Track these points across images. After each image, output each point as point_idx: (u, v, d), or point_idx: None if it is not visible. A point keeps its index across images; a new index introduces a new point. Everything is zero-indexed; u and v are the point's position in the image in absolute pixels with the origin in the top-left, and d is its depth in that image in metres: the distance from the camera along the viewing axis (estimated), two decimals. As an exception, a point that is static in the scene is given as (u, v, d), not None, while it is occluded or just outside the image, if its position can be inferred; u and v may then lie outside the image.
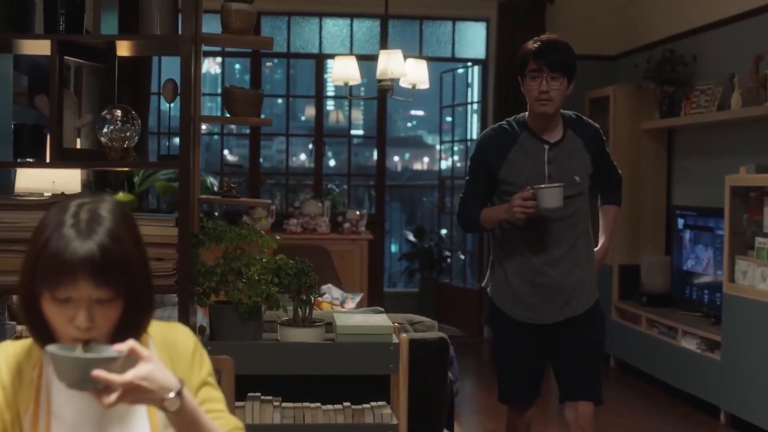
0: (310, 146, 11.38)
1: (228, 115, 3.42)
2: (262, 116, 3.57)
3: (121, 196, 7.61)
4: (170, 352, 1.93)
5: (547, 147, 3.89)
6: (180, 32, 3.21)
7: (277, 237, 3.54)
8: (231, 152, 13.07)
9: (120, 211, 1.78)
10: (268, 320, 3.72)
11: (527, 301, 3.97)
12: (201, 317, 4.84)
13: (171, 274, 3.21)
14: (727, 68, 6.98)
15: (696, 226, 7.06)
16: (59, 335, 1.75)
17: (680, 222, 7.29)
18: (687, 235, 7.18)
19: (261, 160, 9.83)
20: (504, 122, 4.02)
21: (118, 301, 1.74)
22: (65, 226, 1.70)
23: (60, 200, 1.82)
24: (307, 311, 3.49)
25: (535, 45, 3.83)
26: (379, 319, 3.57)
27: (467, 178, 4.04)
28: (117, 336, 1.77)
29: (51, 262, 1.68)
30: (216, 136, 10.69)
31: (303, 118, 11.98)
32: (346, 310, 4.75)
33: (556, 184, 3.70)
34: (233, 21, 3.30)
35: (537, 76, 3.78)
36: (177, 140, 3.19)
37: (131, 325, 1.80)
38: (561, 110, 3.94)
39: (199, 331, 3.44)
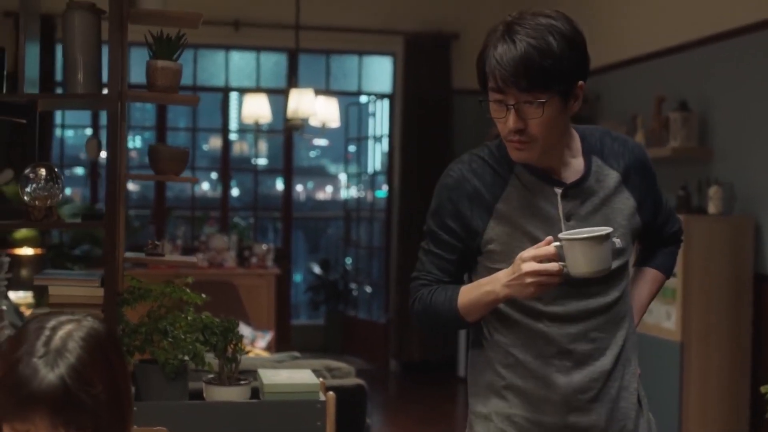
0: (213, 175, 11.32)
1: (153, 173, 3.39)
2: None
3: (24, 232, 7.45)
4: None
5: (559, 192, 2.35)
6: (107, 91, 3.18)
7: (203, 295, 3.50)
8: (132, 182, 12.88)
9: (94, 340, 1.67)
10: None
11: None
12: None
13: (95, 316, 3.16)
14: (630, 108, 7.17)
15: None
16: None
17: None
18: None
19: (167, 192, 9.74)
20: (483, 150, 2.42)
21: None
22: (35, 355, 1.61)
23: (42, 316, 1.72)
24: (233, 368, 3.47)
25: (501, 47, 2.21)
26: (305, 376, 3.56)
27: (424, 246, 2.47)
28: None
29: (11, 394, 1.60)
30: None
31: (206, 148, 11.90)
32: (269, 362, 4.73)
33: (601, 230, 2.21)
34: (159, 79, 3.28)
35: (499, 107, 2.24)
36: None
37: None
38: (576, 126, 2.45)
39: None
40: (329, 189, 14.07)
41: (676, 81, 6.83)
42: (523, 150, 2.26)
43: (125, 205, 3.34)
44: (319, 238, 13.07)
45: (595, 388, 2.36)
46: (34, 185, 3.21)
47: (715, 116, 6.45)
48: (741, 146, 6.22)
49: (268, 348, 7.02)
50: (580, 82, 2.27)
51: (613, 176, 2.39)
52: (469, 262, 2.43)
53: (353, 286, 10.50)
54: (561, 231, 2.28)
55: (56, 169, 3.25)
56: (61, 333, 1.64)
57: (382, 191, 9.98)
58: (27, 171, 3.23)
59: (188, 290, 3.47)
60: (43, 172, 3.20)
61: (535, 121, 2.22)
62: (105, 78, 3.29)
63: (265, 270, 8.85)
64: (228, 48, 9.37)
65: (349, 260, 10.80)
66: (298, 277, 12.33)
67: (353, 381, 4.69)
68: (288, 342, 9.07)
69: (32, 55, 3.24)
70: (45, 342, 1.62)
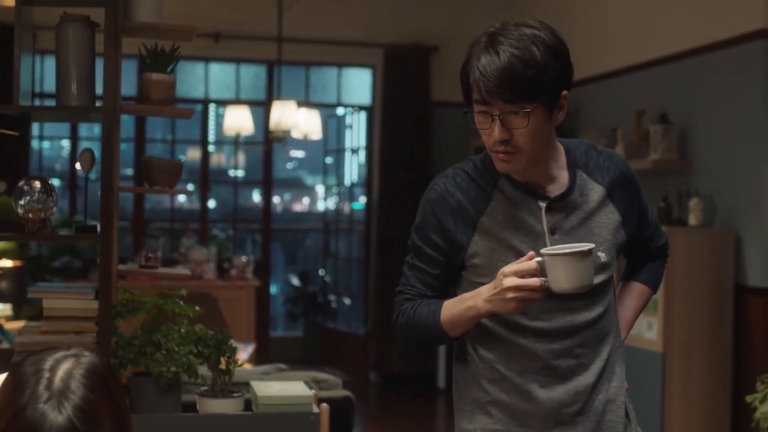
0: (189, 186, 11.27)
1: (146, 185, 3.39)
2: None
3: (3, 244, 7.40)
4: None
5: (543, 205, 2.34)
6: (99, 103, 3.18)
7: (197, 308, 3.50)
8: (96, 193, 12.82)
9: (96, 376, 1.65)
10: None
11: None
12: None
13: (90, 349, 3.16)
14: (610, 121, 7.22)
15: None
16: None
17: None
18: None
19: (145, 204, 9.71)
20: (467, 164, 2.43)
21: None
22: (39, 400, 1.58)
23: (34, 356, 1.68)
24: (226, 380, 3.47)
25: (485, 58, 2.21)
26: (298, 388, 3.56)
27: (408, 260, 2.45)
28: None
29: None
30: (92, 175, 10.48)
31: (183, 160, 11.87)
32: (255, 374, 4.73)
33: (583, 246, 2.19)
34: (153, 91, 3.28)
35: (484, 118, 2.24)
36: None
37: None
38: (562, 140, 2.44)
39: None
40: (306, 201, 14.07)
41: (656, 93, 6.89)
42: (509, 161, 2.26)
43: (117, 218, 3.34)
44: (297, 249, 13.06)
45: (579, 401, 2.36)
46: (28, 198, 3.19)
47: (696, 128, 6.51)
48: (721, 158, 6.28)
49: (250, 360, 7.01)
50: (565, 92, 2.27)
51: (597, 190, 2.39)
52: (454, 276, 2.42)
53: (332, 297, 10.50)
54: (545, 245, 2.28)
55: (50, 182, 3.25)
56: (60, 373, 1.61)
57: (359, 203, 10.00)
58: (21, 183, 3.22)
59: (181, 302, 3.47)
60: (37, 184, 3.19)
61: (520, 131, 2.22)
62: (97, 90, 3.30)
63: (244, 282, 8.85)
64: (208, 60, 9.36)
65: (323, 272, 10.80)
66: (274, 289, 12.33)
67: (341, 393, 4.70)
68: (267, 354, 9.07)
69: (26, 67, 3.24)
70: (47, 385, 1.59)
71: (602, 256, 2.35)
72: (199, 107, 9.46)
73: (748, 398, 4.32)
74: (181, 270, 3.60)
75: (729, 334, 6.05)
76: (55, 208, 3.23)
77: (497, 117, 2.21)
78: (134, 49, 3.48)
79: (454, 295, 2.41)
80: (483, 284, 2.28)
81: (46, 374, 1.60)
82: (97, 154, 3.25)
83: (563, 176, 2.38)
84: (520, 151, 2.24)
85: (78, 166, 3.30)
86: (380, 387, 9.27)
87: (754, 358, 5.93)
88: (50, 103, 5.68)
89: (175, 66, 3.35)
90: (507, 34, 2.21)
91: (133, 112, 3.39)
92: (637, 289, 2.67)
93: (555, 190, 2.36)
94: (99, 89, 3.27)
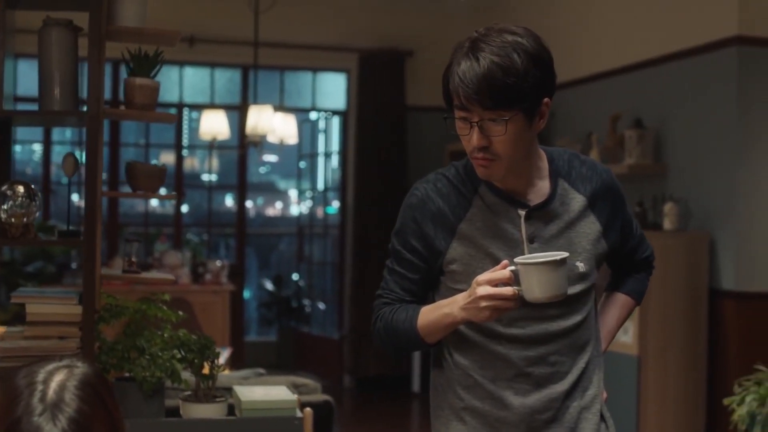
0: (162, 191, 11.21)
1: (131, 190, 3.38)
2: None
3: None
4: None
5: (523, 213, 2.32)
6: (86, 108, 3.17)
7: (180, 313, 3.50)
8: (81, 198, 12.77)
9: (89, 387, 1.64)
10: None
11: None
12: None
13: (74, 354, 3.15)
14: (586, 126, 7.27)
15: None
16: None
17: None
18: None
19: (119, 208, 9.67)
20: (449, 170, 2.41)
21: None
22: (34, 413, 1.57)
23: (27, 368, 1.67)
24: (210, 385, 3.47)
25: (465, 63, 2.19)
26: (281, 393, 3.56)
27: (388, 264, 2.44)
28: None
29: None
30: (64, 179, 10.44)
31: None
32: (234, 379, 4.72)
33: (556, 255, 2.18)
34: (137, 96, 3.27)
35: (464, 124, 2.24)
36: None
37: None
38: (545, 148, 2.43)
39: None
40: (279, 205, 14.05)
41: (631, 99, 6.95)
42: (488, 167, 2.25)
43: (101, 222, 3.33)
44: (270, 254, 13.04)
45: (552, 408, 2.34)
46: (11, 202, 3.18)
47: (670, 133, 6.57)
48: (695, 163, 6.34)
49: (226, 365, 6.99)
50: (546, 100, 2.25)
51: (578, 200, 2.37)
52: (433, 281, 2.41)
53: (306, 302, 10.49)
54: (524, 253, 2.27)
55: (32, 186, 3.23)
56: (53, 385, 1.60)
57: (333, 207, 10.01)
58: (4, 188, 3.20)
59: (164, 307, 3.47)
60: (21, 189, 3.17)
61: (498, 138, 2.20)
62: (80, 95, 3.29)
63: (219, 286, 8.82)
64: (182, 64, 9.34)
65: (297, 276, 10.78)
66: (247, 294, 12.30)
67: (321, 397, 4.70)
68: (242, 359, 9.05)
69: (9, 71, 3.22)
70: (40, 398, 1.58)
71: (581, 266, 2.34)
72: (173, 111, 9.43)
73: (726, 401, 4.36)
74: (164, 275, 3.59)
75: (703, 337, 6.10)
76: (38, 213, 3.22)
77: (476, 123, 2.20)
78: (111, 53, 3.46)
79: (433, 300, 2.39)
80: (461, 290, 2.26)
81: (40, 386, 1.60)
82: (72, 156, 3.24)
83: (544, 185, 2.36)
84: (498, 158, 2.23)
85: (55, 168, 3.29)
86: (355, 391, 9.27)
87: (729, 361, 5.98)
88: (25, 106, 5.65)
89: (159, 70, 3.34)
90: (489, 40, 2.19)
91: (117, 116, 3.38)
92: (620, 300, 2.65)
93: (535, 198, 2.34)
94: (80, 93, 3.26)
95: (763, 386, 4.24)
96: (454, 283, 2.34)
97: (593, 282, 2.40)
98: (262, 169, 13.73)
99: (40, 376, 1.62)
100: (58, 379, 1.61)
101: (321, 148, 10.03)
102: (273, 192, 14.01)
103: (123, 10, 3.27)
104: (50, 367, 1.64)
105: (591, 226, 2.37)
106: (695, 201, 6.30)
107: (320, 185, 10.21)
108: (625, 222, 2.51)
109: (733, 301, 6.01)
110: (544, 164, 2.38)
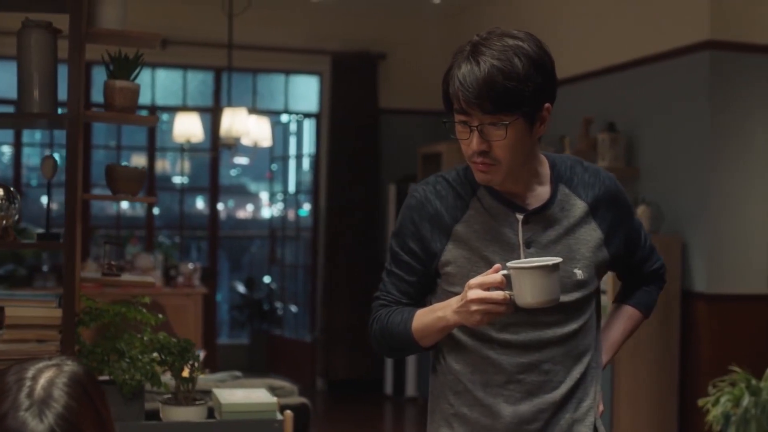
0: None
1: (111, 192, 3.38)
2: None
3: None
4: None
5: (521, 218, 2.30)
6: (66, 110, 3.16)
7: (160, 316, 3.50)
8: (52, 200, 12.68)
9: (78, 385, 1.63)
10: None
11: None
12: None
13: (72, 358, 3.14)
14: (558, 129, 7.30)
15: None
16: None
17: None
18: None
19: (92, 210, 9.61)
20: (450, 172, 2.39)
21: None
22: (20, 408, 1.56)
23: (18, 366, 1.65)
24: (189, 388, 3.46)
25: (465, 67, 2.17)
26: (261, 395, 3.57)
27: (387, 266, 2.42)
28: None
29: None
30: (34, 181, 10.37)
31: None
32: (211, 382, 4.71)
33: (549, 260, 2.15)
34: (117, 99, 3.27)
35: (463, 128, 2.22)
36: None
37: None
38: (548, 154, 2.40)
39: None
40: (250, 208, 14.02)
41: (603, 102, 7.00)
42: (487, 172, 2.22)
43: (80, 225, 3.32)
44: (241, 256, 13.01)
45: (541, 419, 2.29)
46: (-10, 205, 3.17)
47: (642, 137, 6.62)
48: (667, 166, 6.39)
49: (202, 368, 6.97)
50: (547, 105, 2.22)
51: (579, 206, 2.32)
52: (431, 284, 2.37)
53: (278, 305, 10.48)
54: (520, 257, 2.23)
55: (12, 189, 3.22)
56: (42, 381, 1.59)
57: (305, 210, 10.01)
58: (-17, 191, 3.19)
59: (144, 310, 3.46)
60: (0, 191, 3.16)
61: (498, 143, 2.17)
62: (59, 97, 3.28)
63: (191, 289, 8.79)
64: (155, 66, 9.30)
65: (268, 279, 10.77)
66: (218, 296, 12.28)
67: (298, 400, 4.70)
68: (214, 362, 9.02)
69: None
70: (28, 393, 1.57)
71: (579, 273, 2.28)
72: (145, 113, 9.40)
73: (701, 402, 4.40)
74: (143, 277, 3.59)
75: (676, 339, 6.15)
76: (17, 216, 3.21)
77: (476, 128, 2.17)
78: (90, 55, 3.46)
79: (430, 303, 2.35)
80: (456, 293, 2.22)
81: (28, 383, 1.59)
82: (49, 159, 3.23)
83: (544, 190, 2.32)
84: (498, 162, 2.20)
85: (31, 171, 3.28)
86: (328, 394, 9.27)
87: (701, 363, 6.03)
88: (1, 108, 5.62)
89: (139, 73, 3.34)
90: (490, 44, 2.17)
91: (98, 119, 3.38)
92: (626, 312, 2.58)
93: (534, 202, 2.30)
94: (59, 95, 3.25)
95: (737, 387, 4.29)
96: (449, 286, 2.31)
97: (593, 290, 2.35)
98: (233, 172, 13.69)
99: (30, 373, 1.61)
100: (47, 376, 1.60)
101: (293, 150, 10.02)
102: (244, 194, 13.98)
103: (103, 13, 3.27)
104: (40, 364, 1.63)
105: (592, 233, 2.33)
106: (667, 204, 6.35)
107: (292, 188, 10.20)
108: (632, 231, 2.46)
109: (704, 303, 6.06)
110: (545, 170, 2.34)
